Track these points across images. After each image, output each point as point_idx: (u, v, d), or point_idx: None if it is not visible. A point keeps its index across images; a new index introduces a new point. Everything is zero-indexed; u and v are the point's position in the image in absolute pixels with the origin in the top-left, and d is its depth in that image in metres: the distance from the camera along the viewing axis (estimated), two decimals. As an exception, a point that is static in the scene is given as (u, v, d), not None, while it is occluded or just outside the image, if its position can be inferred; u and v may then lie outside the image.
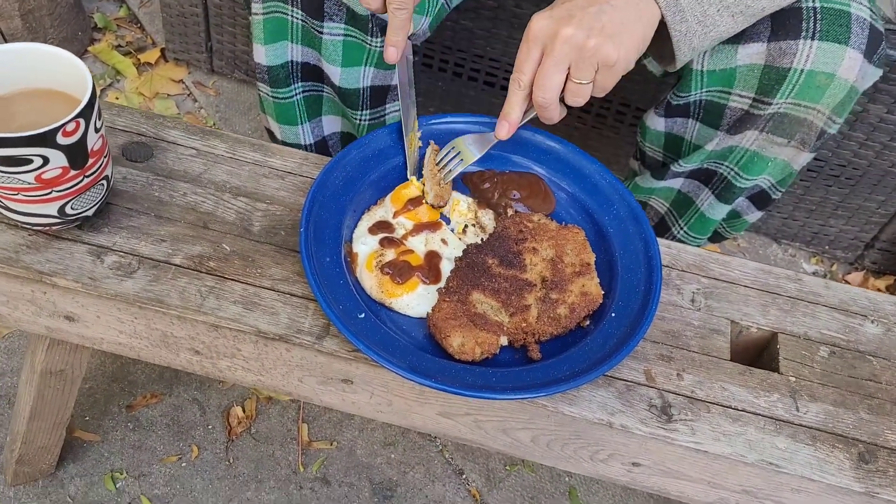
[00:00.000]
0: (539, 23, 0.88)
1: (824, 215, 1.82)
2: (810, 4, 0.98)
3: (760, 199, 1.25)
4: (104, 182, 0.90)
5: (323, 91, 1.27)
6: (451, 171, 1.02)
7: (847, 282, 1.88)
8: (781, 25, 1.00)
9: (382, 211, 1.02)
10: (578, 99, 0.91)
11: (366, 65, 1.18)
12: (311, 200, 0.94)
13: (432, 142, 1.06)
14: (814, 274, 1.89)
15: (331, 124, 1.35)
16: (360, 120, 1.28)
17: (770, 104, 1.04)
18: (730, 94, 1.08)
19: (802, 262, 1.91)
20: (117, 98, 1.94)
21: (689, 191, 1.27)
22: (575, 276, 0.95)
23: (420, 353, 0.86)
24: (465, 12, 1.67)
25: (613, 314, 0.92)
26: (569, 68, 0.89)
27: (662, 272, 0.99)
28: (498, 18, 1.66)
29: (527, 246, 0.97)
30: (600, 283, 0.95)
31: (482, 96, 1.82)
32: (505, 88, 1.82)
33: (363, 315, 0.87)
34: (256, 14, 1.16)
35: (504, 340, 0.90)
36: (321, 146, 1.37)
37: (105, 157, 0.89)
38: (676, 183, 1.27)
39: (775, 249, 1.92)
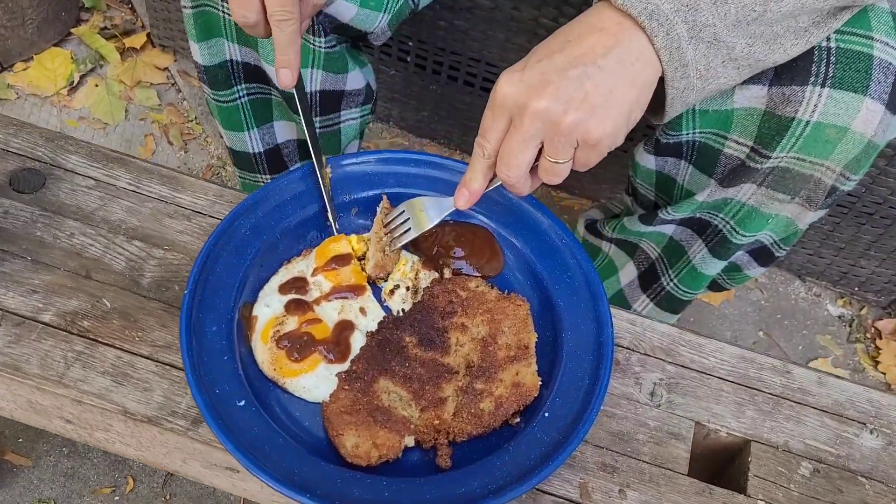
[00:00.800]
0: (506, 88, 0.70)
1: (854, 255, 1.62)
2: (823, 44, 0.80)
3: (762, 255, 1.07)
4: (-38, 225, 0.78)
5: (271, 94, 1.13)
6: (400, 236, 0.87)
7: (877, 329, 1.68)
8: (787, 67, 0.82)
9: (303, 265, 0.88)
10: (554, 178, 0.74)
11: (312, 66, 1.04)
12: (205, 254, 0.81)
13: (385, 197, 0.91)
14: (839, 318, 1.69)
15: (284, 131, 1.20)
16: None
17: (769, 157, 0.87)
18: (726, 138, 0.91)
19: (828, 304, 1.71)
20: (97, 85, 1.83)
21: (681, 239, 1.10)
22: (508, 361, 0.80)
23: (303, 455, 0.72)
24: (460, 12, 1.50)
25: (547, 413, 0.77)
26: (542, 142, 0.73)
27: (615, 357, 0.83)
28: (494, 20, 1.49)
29: (455, 322, 0.82)
30: (539, 370, 0.80)
31: (478, 102, 1.66)
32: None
33: (242, 402, 0.74)
34: (185, 7, 1.01)
35: (410, 441, 0.75)
36: (273, 155, 1.23)
37: (-39, 197, 0.77)
38: (668, 229, 1.10)
39: (798, 287, 1.72)
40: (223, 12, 0.98)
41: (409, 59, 1.65)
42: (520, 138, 0.71)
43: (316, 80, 1.06)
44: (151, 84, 1.86)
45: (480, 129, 0.75)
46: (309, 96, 1.07)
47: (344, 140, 1.18)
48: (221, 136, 1.22)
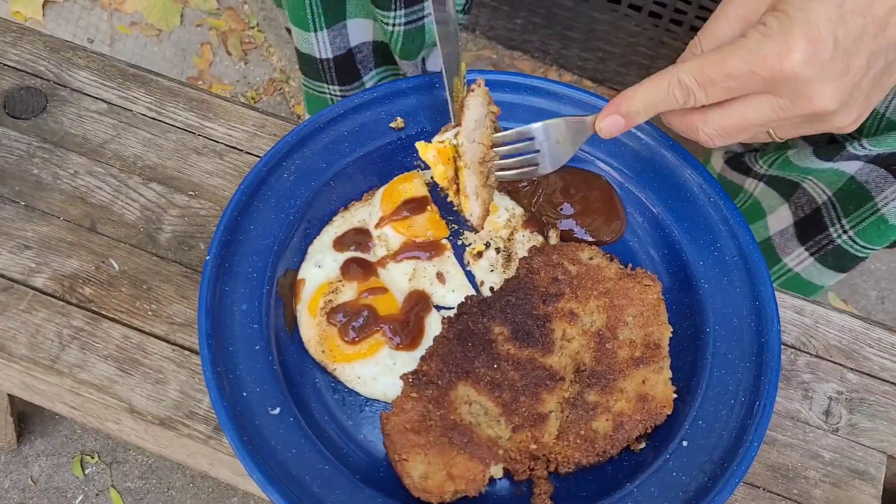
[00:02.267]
0: (819, 87, 0.50)
1: None
2: None
3: None
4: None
5: None
6: (521, 170, 0.61)
7: None
8: None
9: (365, 212, 0.68)
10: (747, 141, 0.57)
11: None
12: (235, 207, 0.62)
13: (482, 82, 0.61)
14: None
15: (359, 31, 0.98)
16: (394, 25, 0.91)
17: None
18: None
19: None
20: (151, -14, 1.63)
21: (867, 181, 0.85)
22: (632, 364, 0.59)
23: (356, 488, 0.54)
24: None
25: (686, 442, 0.56)
26: None
27: (782, 360, 0.61)
28: None
29: (561, 307, 0.61)
30: (674, 378, 0.59)
31: (582, 9, 1.40)
32: (614, 0, 1.39)
33: (277, 410, 0.56)
34: None
35: (498, 471, 0.56)
36: (344, 62, 1.00)
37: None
38: (850, 167, 0.86)
39: (960, 238, 1.43)
40: None
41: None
42: (765, 122, 0.53)
43: None
44: (210, -16, 1.66)
45: (705, 70, 0.51)
46: None
47: (429, 39, 0.96)
48: (289, 32, 0.99)
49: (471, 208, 0.60)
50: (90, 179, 0.68)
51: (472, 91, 0.59)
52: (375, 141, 0.68)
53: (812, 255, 0.94)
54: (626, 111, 0.55)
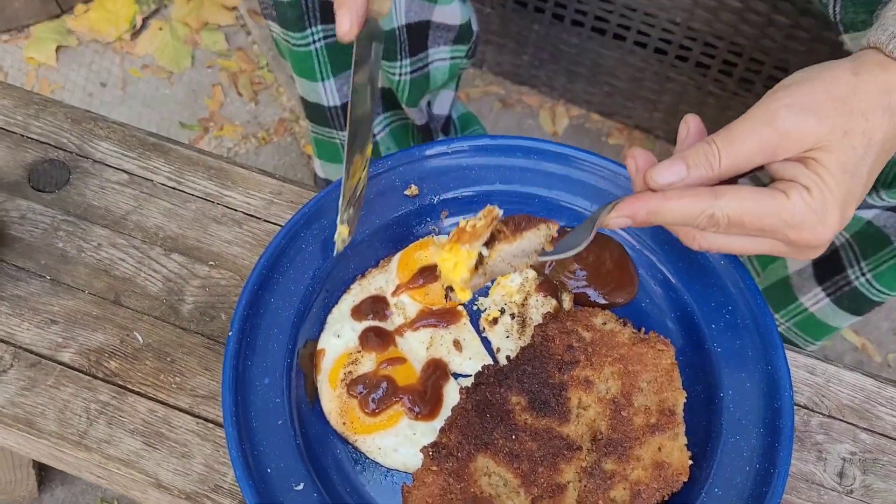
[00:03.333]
0: (822, 237, 0.51)
1: None
2: None
3: None
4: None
5: None
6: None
7: None
8: None
9: (382, 280, 0.70)
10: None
11: None
12: (255, 282, 0.63)
13: (552, 227, 0.55)
14: None
15: None
16: (400, 74, 0.93)
17: None
18: None
19: None
20: (161, 29, 1.66)
21: (884, 225, 0.86)
22: (648, 431, 0.60)
23: (378, 562, 0.55)
24: (569, -63, 1.25)
25: (703, 510, 0.57)
26: None
27: (795, 421, 0.62)
28: (612, -53, 1.23)
29: (576, 375, 0.62)
30: (689, 444, 0.60)
31: (588, 45, 1.41)
32: (619, 37, 1.41)
33: (301, 486, 0.57)
34: None
35: (518, 542, 0.57)
36: None
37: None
38: (867, 213, 0.87)
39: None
40: None
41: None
42: (758, 253, 0.54)
43: (401, 11, 0.87)
44: (219, 26, 1.68)
45: (742, 216, 0.50)
46: (395, 34, 0.88)
47: (433, 85, 0.98)
48: (294, 80, 1.02)
49: (452, 294, 0.55)
50: (114, 252, 0.70)
51: (538, 229, 0.54)
52: (391, 209, 0.69)
53: (829, 295, 0.94)
54: (643, 221, 0.52)
